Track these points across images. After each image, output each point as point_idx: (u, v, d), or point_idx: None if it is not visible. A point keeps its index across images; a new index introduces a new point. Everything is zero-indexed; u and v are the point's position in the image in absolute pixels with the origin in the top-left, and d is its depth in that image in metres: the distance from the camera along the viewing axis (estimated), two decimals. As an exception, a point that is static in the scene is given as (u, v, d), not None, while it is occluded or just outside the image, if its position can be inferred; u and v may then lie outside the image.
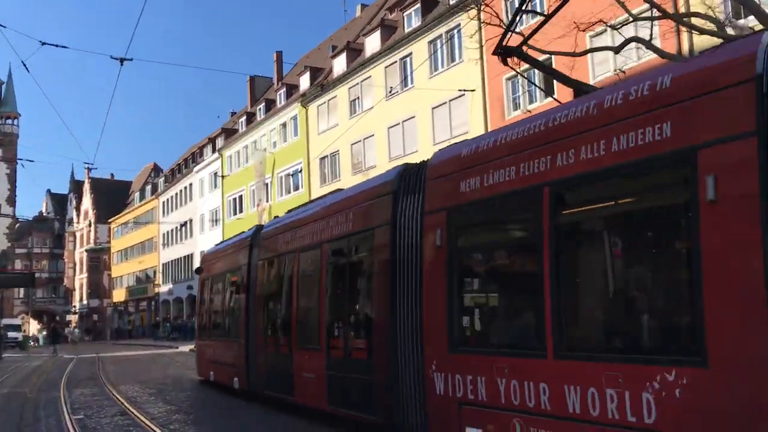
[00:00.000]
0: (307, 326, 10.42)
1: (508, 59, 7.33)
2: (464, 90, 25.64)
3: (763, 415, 3.99)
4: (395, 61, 31.42)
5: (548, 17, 7.11)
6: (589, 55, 20.01)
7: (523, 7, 7.48)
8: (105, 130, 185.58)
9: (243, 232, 14.89)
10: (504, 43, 7.13)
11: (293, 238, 11.18)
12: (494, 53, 7.29)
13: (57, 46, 12.45)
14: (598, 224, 5.67)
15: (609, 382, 4.89)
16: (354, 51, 36.15)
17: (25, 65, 33.30)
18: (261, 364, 12.20)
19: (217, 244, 17.97)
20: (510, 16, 22.65)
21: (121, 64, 12.02)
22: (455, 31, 27.67)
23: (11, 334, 45.53)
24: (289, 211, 12.61)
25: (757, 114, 4.17)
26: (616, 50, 14.03)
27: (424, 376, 7.05)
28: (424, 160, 8.00)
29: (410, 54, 30.46)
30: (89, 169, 78.90)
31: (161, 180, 66.22)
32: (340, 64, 36.52)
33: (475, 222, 6.89)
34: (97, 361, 28.91)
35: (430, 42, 29.23)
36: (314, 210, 10.75)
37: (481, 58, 24.78)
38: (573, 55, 14.41)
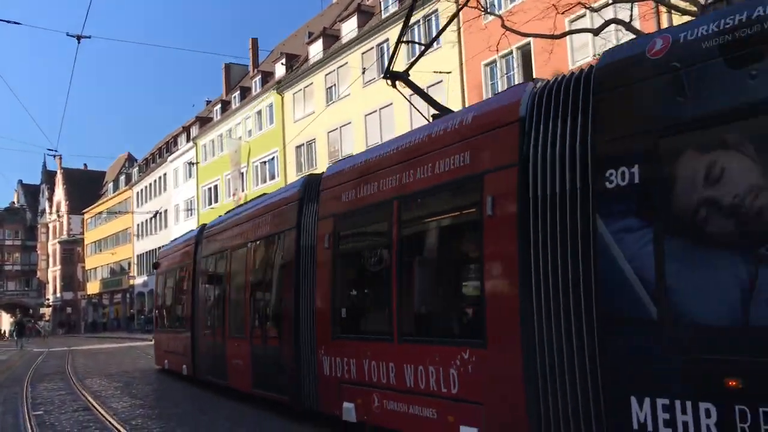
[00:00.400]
0: (236, 317, 11.58)
1: (396, 83, 8.58)
2: (440, 71, 25.19)
3: (518, 377, 5.18)
4: (372, 47, 30.88)
5: (427, 46, 9.11)
6: (568, 38, 19.73)
7: (403, 38, 8.56)
8: (78, 120, 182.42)
9: (192, 230, 16.76)
10: (391, 69, 8.52)
11: (227, 238, 12.46)
12: (383, 77, 8.71)
13: (9, 22, 11.73)
14: (426, 234, 6.87)
15: (431, 360, 6.13)
16: (330, 37, 35.51)
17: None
18: (203, 353, 13.40)
19: (171, 241, 18.97)
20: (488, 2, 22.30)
21: (78, 42, 11.39)
22: (433, 16, 27.22)
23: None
24: (228, 211, 13.74)
25: (519, 149, 5.33)
26: (596, 32, 13.69)
27: (316, 359, 8.25)
28: (322, 172, 9.08)
29: (387, 40, 29.94)
30: (60, 159, 77.81)
31: (135, 170, 65.07)
32: (316, 50, 35.86)
33: (351, 228, 7.99)
34: (68, 354, 28.22)
35: (409, 26, 28.68)
36: (243, 212, 12.07)
37: (459, 42, 24.37)
38: (552, 37, 14.05)
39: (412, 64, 8.96)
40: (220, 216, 14.50)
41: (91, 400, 12.22)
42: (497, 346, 5.44)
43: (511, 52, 23.06)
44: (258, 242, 10.88)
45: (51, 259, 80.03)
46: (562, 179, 4.97)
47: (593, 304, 4.67)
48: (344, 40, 33.15)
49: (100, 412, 10.66)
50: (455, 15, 10.78)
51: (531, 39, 21.89)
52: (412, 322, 6.76)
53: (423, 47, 8.82)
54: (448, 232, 6.57)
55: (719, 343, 3.97)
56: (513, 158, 5.34)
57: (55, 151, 37.01)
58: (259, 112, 40.83)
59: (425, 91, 9.72)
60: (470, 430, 5.72)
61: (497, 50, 19.64)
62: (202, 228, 14.73)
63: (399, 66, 9.56)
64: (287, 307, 9.28)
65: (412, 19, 28.20)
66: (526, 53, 22.98)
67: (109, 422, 9.69)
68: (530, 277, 5.11)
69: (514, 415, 5.29)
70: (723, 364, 3.90)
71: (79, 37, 11.40)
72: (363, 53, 31.38)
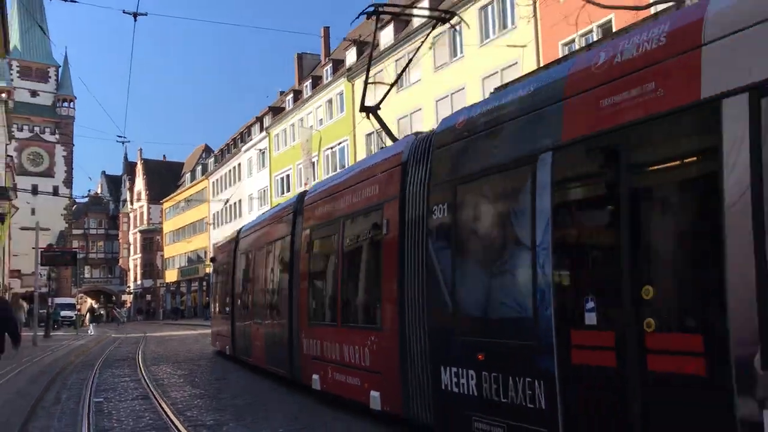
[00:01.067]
0: (255, 304, 14.07)
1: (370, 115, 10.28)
2: (515, 45, 24.01)
3: (405, 352, 7.00)
4: (443, 31, 29.85)
5: (392, 85, 10.46)
6: (653, 9, 18.27)
7: (369, 81, 10.44)
8: (161, 112, 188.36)
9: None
10: (364, 103, 10.35)
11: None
12: (360, 110, 10.63)
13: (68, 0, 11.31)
14: (355, 245, 8.78)
15: (355, 340, 8.30)
16: (402, 22, 34.70)
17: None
18: (238, 336, 15.51)
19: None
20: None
21: (135, 20, 11.02)
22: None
23: (65, 313, 45.98)
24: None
25: (400, 185, 7.35)
26: (678, 5, 12.42)
27: (299, 341, 10.54)
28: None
29: (459, 22, 28.84)
30: (141, 150, 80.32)
31: (211, 160, 66.26)
32: (387, 36, 35.14)
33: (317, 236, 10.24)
34: (142, 340, 28.71)
35: (481, 8, 27.61)
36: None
37: (535, 16, 23.10)
38: (636, 8, 13.03)
39: (382, 100, 10.54)
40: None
41: (152, 388, 11.94)
42: (387, 329, 7.47)
43: (591, 30, 21.68)
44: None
45: (132, 248, 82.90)
46: (419, 209, 6.84)
47: (425, 300, 6.55)
48: (415, 24, 32.27)
49: (158, 401, 10.31)
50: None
51: (612, 16, 20.53)
52: (349, 310, 8.85)
53: (389, 86, 10.14)
54: (366, 244, 8.39)
55: (474, 329, 5.79)
56: (396, 192, 7.38)
57: (125, 138, 37.28)
58: (330, 101, 40.51)
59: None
60: (376, 394, 7.67)
61: (576, 26, 18.44)
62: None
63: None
64: (283, 296, 11.55)
65: (485, 0, 27.13)
66: (607, 32, 21.53)
67: (165, 412, 9.29)
68: (403, 279, 7.02)
69: (394, 378, 7.21)
70: (476, 344, 5.70)
71: (135, 15, 11.03)
72: (434, 37, 30.39)
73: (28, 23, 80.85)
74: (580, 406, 4.54)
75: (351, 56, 39.13)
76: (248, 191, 52.81)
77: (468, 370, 5.68)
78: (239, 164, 55.88)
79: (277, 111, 50.41)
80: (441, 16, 10.23)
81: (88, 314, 37.92)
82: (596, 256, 4.73)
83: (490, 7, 27.23)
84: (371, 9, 9.19)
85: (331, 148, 39.61)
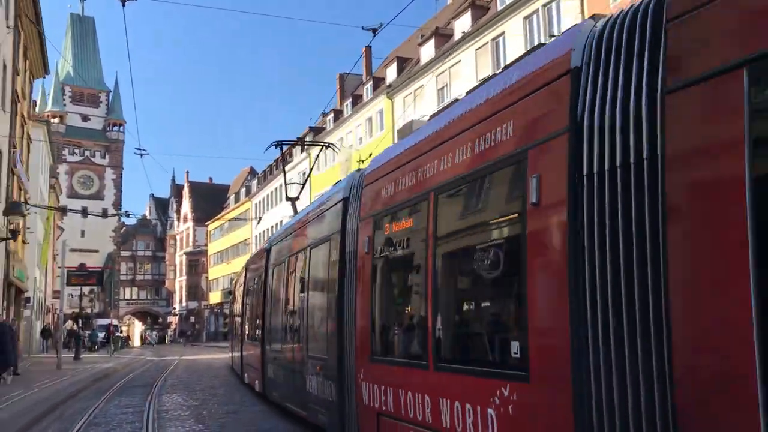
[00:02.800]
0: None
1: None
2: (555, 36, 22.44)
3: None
4: (486, 42, 28.54)
5: (291, 201, 13.23)
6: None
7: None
8: (209, 136, 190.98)
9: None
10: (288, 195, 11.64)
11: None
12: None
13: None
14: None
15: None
16: (443, 36, 33.55)
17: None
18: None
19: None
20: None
21: (123, 5, 9.87)
22: (553, 2, 24.57)
23: (103, 335, 45.73)
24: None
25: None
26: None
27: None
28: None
29: (503, 33, 27.50)
30: (187, 173, 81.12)
31: (254, 182, 66.09)
32: (428, 51, 34.01)
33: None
34: (172, 364, 27.86)
35: (526, 18, 26.18)
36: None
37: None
38: None
39: (301, 189, 11.49)
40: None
41: (150, 423, 10.75)
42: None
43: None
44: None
45: (178, 270, 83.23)
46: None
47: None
48: (456, 37, 31.05)
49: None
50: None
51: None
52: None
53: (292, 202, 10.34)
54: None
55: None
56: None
57: (144, 150, 36.63)
58: (370, 119, 39.58)
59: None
60: None
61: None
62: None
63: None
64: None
65: (529, 9, 25.68)
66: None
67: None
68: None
69: None
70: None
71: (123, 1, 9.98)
72: (477, 49, 29.11)
73: (81, 50, 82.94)
74: None
75: (391, 74, 38.13)
76: (290, 212, 52.08)
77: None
78: (281, 185, 55.33)
79: (317, 131, 49.77)
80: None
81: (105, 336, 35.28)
82: None
83: (534, 17, 25.79)
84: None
85: (371, 167, 38.52)
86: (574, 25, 4.51)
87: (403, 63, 38.36)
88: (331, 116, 47.30)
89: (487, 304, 5.10)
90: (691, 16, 3.20)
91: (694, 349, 3.07)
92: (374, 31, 10.85)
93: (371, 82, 41.14)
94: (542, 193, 4.01)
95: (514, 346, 4.31)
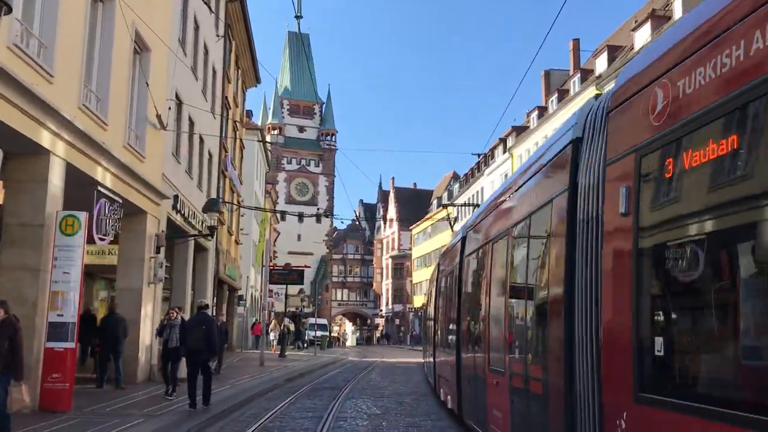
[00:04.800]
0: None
1: None
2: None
3: None
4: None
5: None
6: None
7: None
8: (416, 139, 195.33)
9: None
10: None
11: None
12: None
13: None
14: None
15: None
16: (660, 18, 30.04)
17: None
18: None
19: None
20: None
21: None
22: None
23: (316, 333, 47.64)
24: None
25: None
26: None
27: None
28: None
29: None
30: (393, 179, 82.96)
31: (456, 186, 65.55)
32: (642, 37, 30.67)
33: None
34: (369, 366, 27.72)
35: None
36: None
37: None
38: None
39: None
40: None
41: (325, 430, 9.97)
42: None
43: None
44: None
45: (384, 273, 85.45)
46: None
47: None
48: (676, 16, 27.52)
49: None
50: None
51: None
52: None
53: None
54: None
55: None
56: None
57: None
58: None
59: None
60: None
61: None
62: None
63: None
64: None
65: None
66: None
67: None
68: None
69: None
70: None
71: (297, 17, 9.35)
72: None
73: (297, 66, 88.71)
74: None
75: (601, 63, 35.12)
76: (491, 216, 50.57)
77: None
78: (482, 188, 54.06)
79: (520, 130, 47.72)
80: None
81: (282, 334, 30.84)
82: None
83: None
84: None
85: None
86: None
87: (614, 52, 35.18)
88: (534, 113, 45.01)
89: None
90: (616, 111, 4.24)
91: None
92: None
93: (579, 75, 38.40)
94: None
95: None
